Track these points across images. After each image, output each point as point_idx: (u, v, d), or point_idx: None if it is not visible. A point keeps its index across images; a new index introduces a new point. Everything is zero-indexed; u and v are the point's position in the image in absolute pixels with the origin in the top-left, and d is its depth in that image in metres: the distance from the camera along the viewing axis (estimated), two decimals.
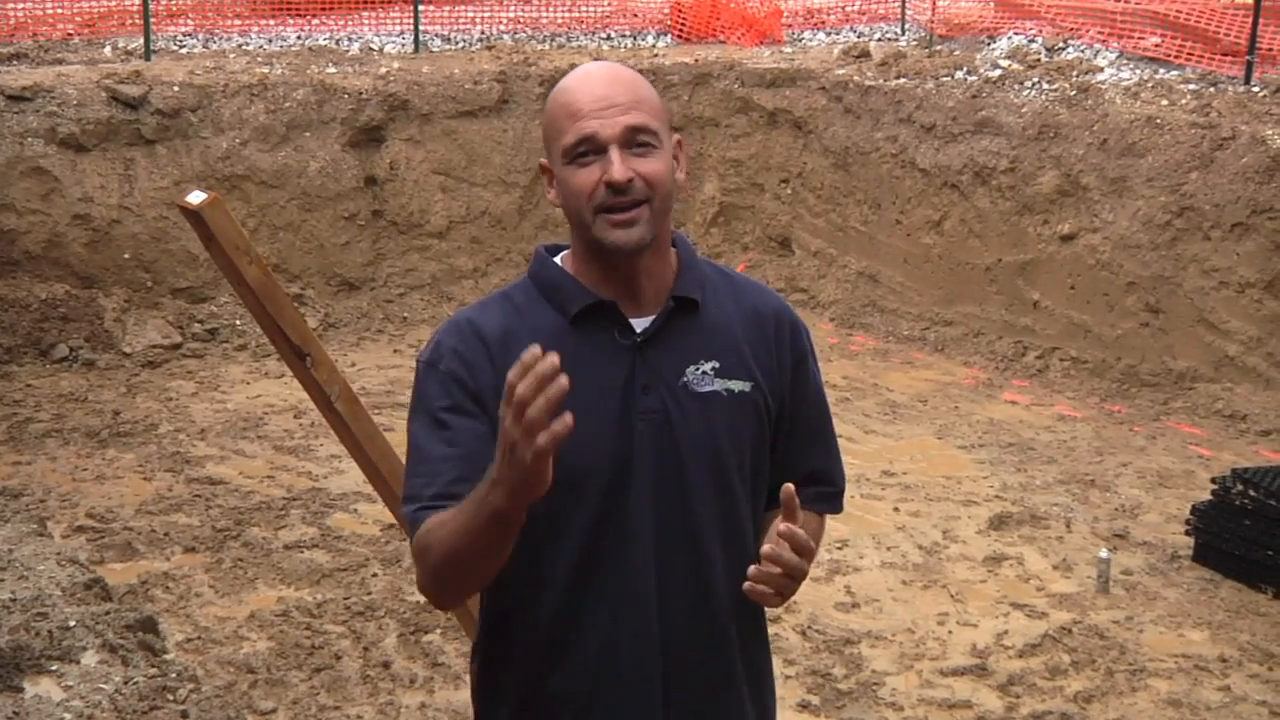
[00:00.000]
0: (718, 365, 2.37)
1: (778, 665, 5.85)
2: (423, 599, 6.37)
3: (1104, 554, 6.90)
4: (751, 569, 2.19)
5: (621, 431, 2.28)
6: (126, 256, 10.52)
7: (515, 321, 2.33)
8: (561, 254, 2.43)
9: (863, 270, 11.89)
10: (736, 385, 2.38)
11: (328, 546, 7.13)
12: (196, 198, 3.03)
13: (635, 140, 2.25)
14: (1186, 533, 7.26)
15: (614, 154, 2.23)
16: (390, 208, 11.58)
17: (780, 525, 2.18)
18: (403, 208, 11.62)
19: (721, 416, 2.36)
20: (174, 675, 3.80)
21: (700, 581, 2.39)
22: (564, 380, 1.93)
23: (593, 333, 2.31)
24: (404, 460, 2.42)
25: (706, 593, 2.39)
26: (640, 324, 2.33)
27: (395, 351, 10.60)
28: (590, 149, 2.25)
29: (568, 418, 1.94)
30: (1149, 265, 9.84)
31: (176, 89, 10.91)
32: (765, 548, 2.17)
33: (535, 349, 1.94)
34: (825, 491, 2.66)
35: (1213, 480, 7.27)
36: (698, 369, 2.35)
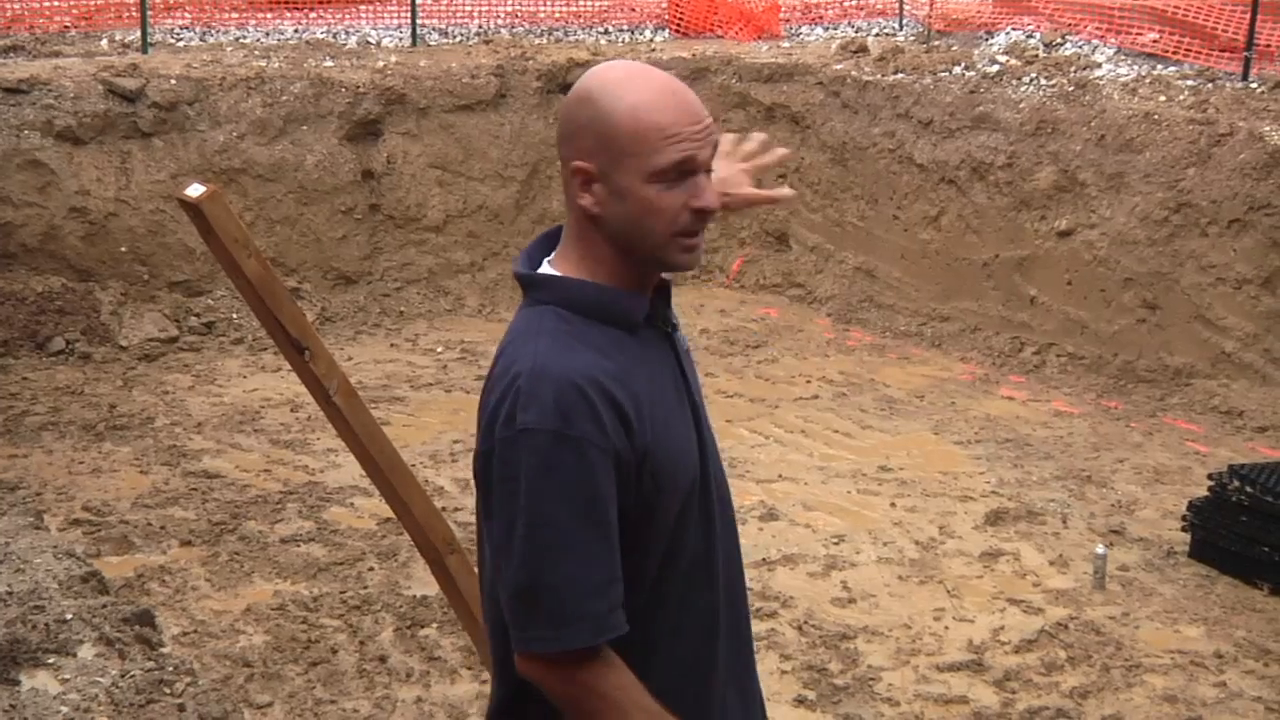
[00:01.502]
0: (676, 322, 2.45)
1: (774, 660, 5.86)
2: (419, 593, 6.39)
3: (1100, 550, 6.91)
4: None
5: (691, 421, 2.31)
6: (123, 250, 10.52)
7: (598, 356, 2.20)
8: (548, 265, 2.33)
9: (860, 265, 11.89)
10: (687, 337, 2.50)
11: (324, 540, 7.13)
12: (195, 190, 3.03)
13: (710, 167, 2.23)
14: (1183, 529, 7.27)
15: (705, 181, 2.18)
16: (387, 202, 11.57)
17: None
18: (399, 201, 11.62)
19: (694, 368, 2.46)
20: (170, 668, 3.80)
21: (735, 544, 2.45)
22: None
23: (645, 334, 2.30)
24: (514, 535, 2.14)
25: (738, 554, 2.45)
26: (668, 316, 2.39)
27: (392, 345, 10.60)
28: (689, 171, 2.17)
29: None
30: (1146, 261, 9.85)
31: (173, 82, 10.89)
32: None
33: None
34: None
35: (1209, 476, 7.28)
36: (679, 332, 2.44)
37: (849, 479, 8.00)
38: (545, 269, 2.32)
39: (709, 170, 2.21)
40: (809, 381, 9.84)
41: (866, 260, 11.82)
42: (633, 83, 2.20)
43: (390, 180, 11.56)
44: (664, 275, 2.35)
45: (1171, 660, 6.13)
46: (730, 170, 2.68)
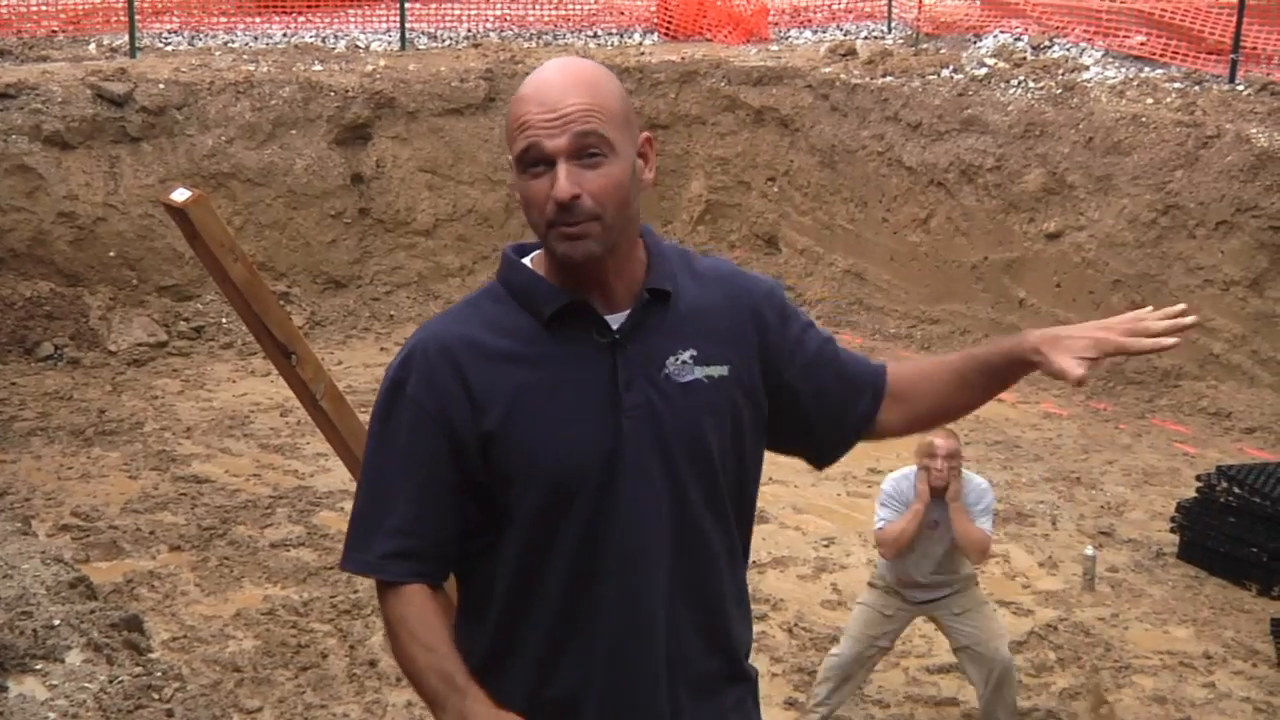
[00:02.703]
0: (695, 353, 2.35)
1: (764, 663, 5.86)
2: None
3: (1090, 551, 6.92)
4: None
5: (608, 431, 2.26)
6: (112, 254, 10.49)
7: (486, 333, 2.29)
8: (532, 255, 2.38)
9: (849, 268, 11.90)
10: (715, 370, 2.36)
11: (314, 545, 7.11)
12: (181, 195, 3.01)
13: (585, 151, 2.19)
14: (1172, 530, 7.28)
15: (560, 170, 2.17)
16: (377, 205, 11.56)
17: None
18: (389, 205, 11.61)
19: (704, 404, 2.34)
20: (159, 674, 3.78)
21: (700, 570, 2.38)
22: None
23: (570, 334, 2.27)
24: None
25: (708, 580, 2.38)
26: (615, 320, 2.29)
27: (381, 349, 10.58)
28: (539, 160, 2.19)
29: None
30: (1134, 263, 9.87)
31: (162, 86, 10.87)
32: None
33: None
34: (881, 381, 2.63)
35: (1198, 478, 7.30)
36: (677, 359, 2.33)
37: (839, 481, 8.00)
38: (526, 257, 2.39)
39: (580, 155, 2.19)
40: (814, 324, 9.86)
41: (856, 263, 11.83)
42: (526, 83, 2.29)
43: (379, 184, 11.56)
44: (660, 287, 2.32)
45: (1161, 661, 6.14)
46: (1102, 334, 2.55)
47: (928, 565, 5.26)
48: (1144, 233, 9.84)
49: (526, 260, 2.38)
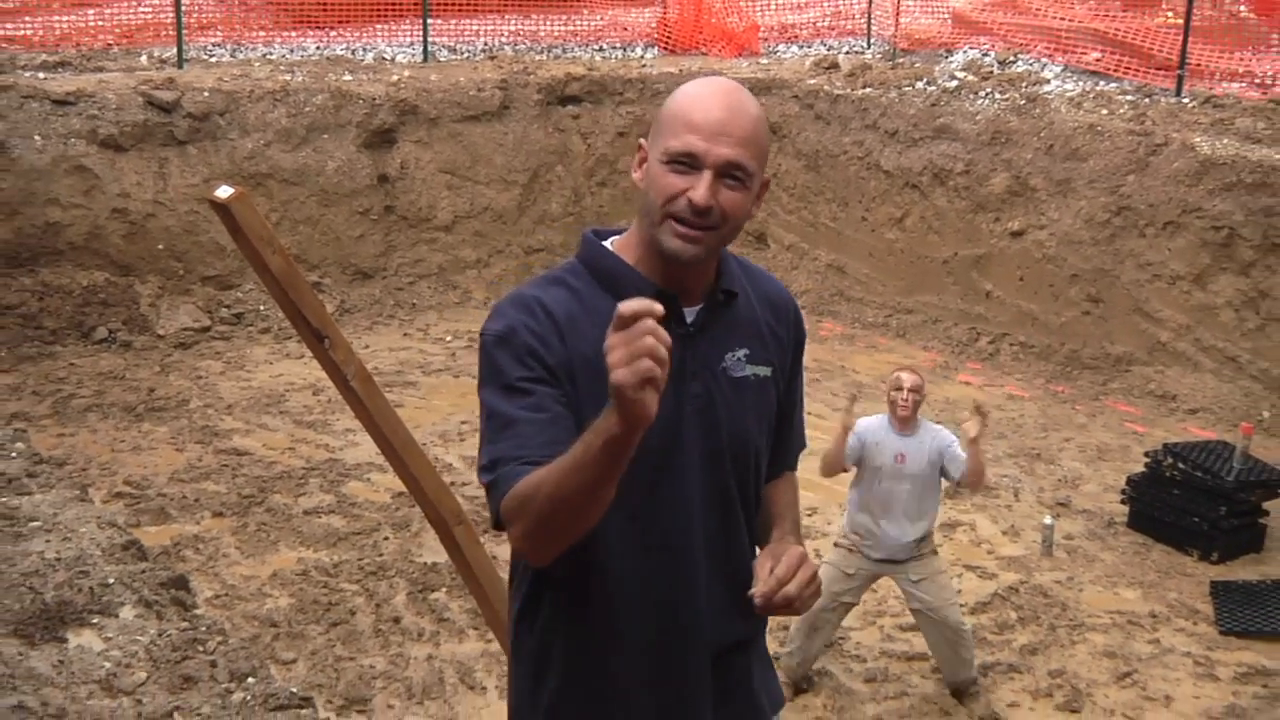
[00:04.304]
0: (748, 352, 2.36)
1: None
2: (430, 560, 6.38)
3: (1048, 520, 6.92)
4: (758, 599, 2.15)
5: (673, 415, 2.24)
6: (160, 247, 10.48)
7: (575, 305, 2.25)
8: (612, 240, 2.36)
9: (831, 263, 11.89)
10: (762, 370, 2.39)
11: (343, 512, 7.12)
12: (224, 192, 3.01)
13: (730, 173, 2.18)
14: (1122, 501, 7.29)
15: (706, 178, 2.16)
16: (400, 204, 11.54)
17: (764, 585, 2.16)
18: (412, 204, 11.59)
19: (751, 399, 2.36)
20: (203, 629, 3.80)
21: (734, 544, 2.39)
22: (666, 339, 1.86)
23: None
24: (481, 429, 2.28)
25: (739, 555, 2.39)
26: (689, 314, 2.30)
27: (405, 335, 10.58)
28: (689, 163, 2.17)
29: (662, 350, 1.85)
30: (1090, 259, 9.85)
31: (206, 94, 10.85)
32: (759, 600, 2.14)
33: (644, 303, 1.84)
34: (797, 454, 2.68)
35: (1146, 454, 7.29)
36: (734, 356, 2.34)
37: (819, 456, 7.98)
38: (606, 241, 2.37)
39: (725, 175, 2.18)
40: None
41: (838, 258, 11.81)
42: (697, 84, 2.26)
43: (403, 184, 11.53)
44: (731, 289, 2.30)
45: (1111, 620, 6.14)
46: None
47: (896, 503, 5.10)
48: (1099, 231, 9.83)
49: (608, 244, 2.36)
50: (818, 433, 8.87)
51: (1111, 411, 9.04)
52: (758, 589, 2.17)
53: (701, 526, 2.33)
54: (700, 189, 2.16)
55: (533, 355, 2.22)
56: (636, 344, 1.83)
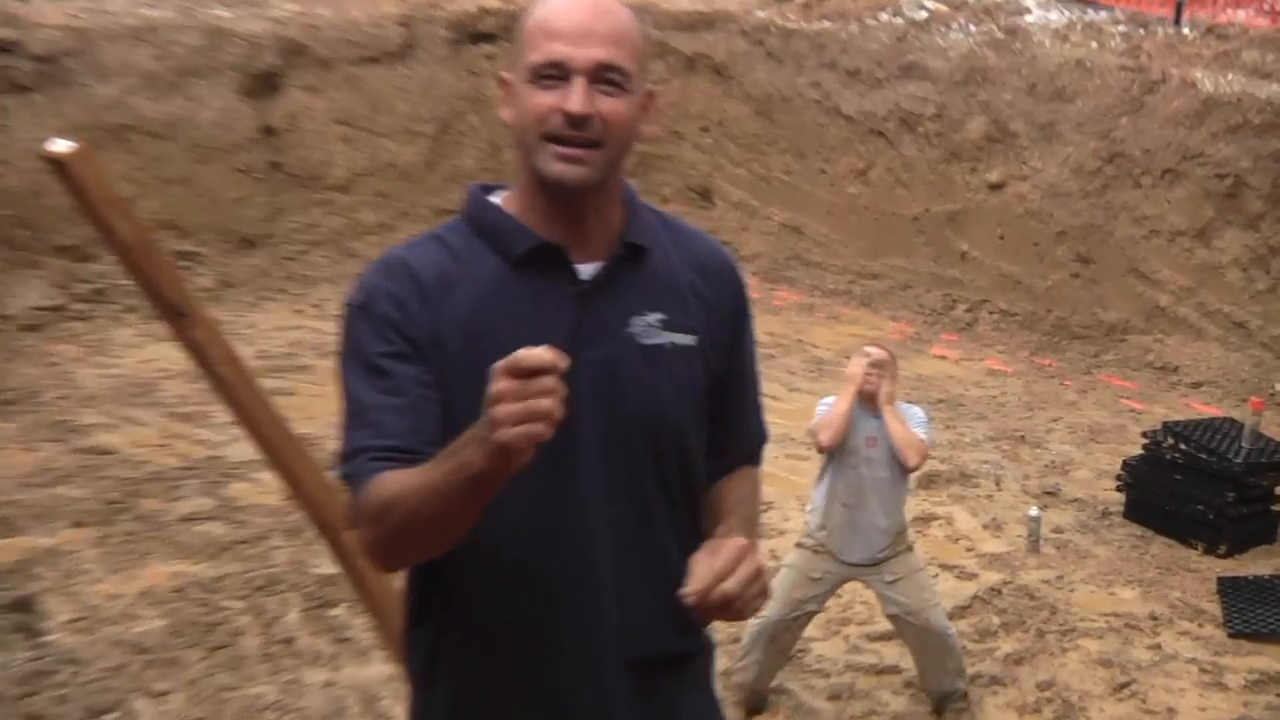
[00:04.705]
0: (664, 317, 2.32)
1: None
2: (328, 571, 6.30)
3: (1034, 512, 6.96)
4: (689, 598, 2.13)
5: (567, 386, 2.22)
6: (6, 212, 10.27)
7: (451, 265, 2.26)
8: (499, 194, 2.36)
9: (786, 222, 11.89)
10: (682, 339, 2.34)
11: (226, 518, 7.01)
12: (61, 146, 2.92)
13: (605, 77, 2.18)
14: (1118, 488, 7.35)
15: (578, 85, 2.16)
16: (289, 159, 11.40)
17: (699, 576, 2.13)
18: (302, 159, 11.45)
19: (667, 371, 2.32)
20: (53, 658, 3.71)
21: (653, 540, 2.35)
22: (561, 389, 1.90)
23: (537, 279, 2.24)
24: (341, 413, 2.28)
25: (663, 554, 2.35)
26: (586, 271, 2.27)
27: (296, 312, 10.45)
28: (556, 74, 2.18)
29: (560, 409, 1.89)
30: (1079, 214, 9.92)
31: (54, 32, 10.62)
32: (691, 597, 2.12)
33: (547, 356, 1.87)
34: (757, 446, 2.64)
35: (1144, 434, 7.36)
36: (644, 320, 2.31)
37: (776, 444, 7.98)
38: (493, 196, 2.37)
39: (600, 81, 2.19)
40: (755, 341, 9.85)
41: (793, 216, 11.82)
42: None
43: (292, 137, 11.39)
44: (637, 241, 2.29)
45: (1106, 623, 6.19)
46: None
47: (869, 491, 5.12)
48: (1089, 182, 9.90)
49: (494, 198, 2.35)
50: (772, 415, 8.91)
51: (1105, 387, 9.12)
52: (689, 586, 2.14)
53: (605, 518, 2.29)
54: (574, 96, 2.16)
55: (393, 327, 2.21)
56: (532, 405, 1.86)
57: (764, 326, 10.26)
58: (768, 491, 7.40)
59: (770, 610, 5.29)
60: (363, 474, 2.15)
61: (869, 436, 5.16)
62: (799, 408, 8.65)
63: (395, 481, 2.10)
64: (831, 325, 10.38)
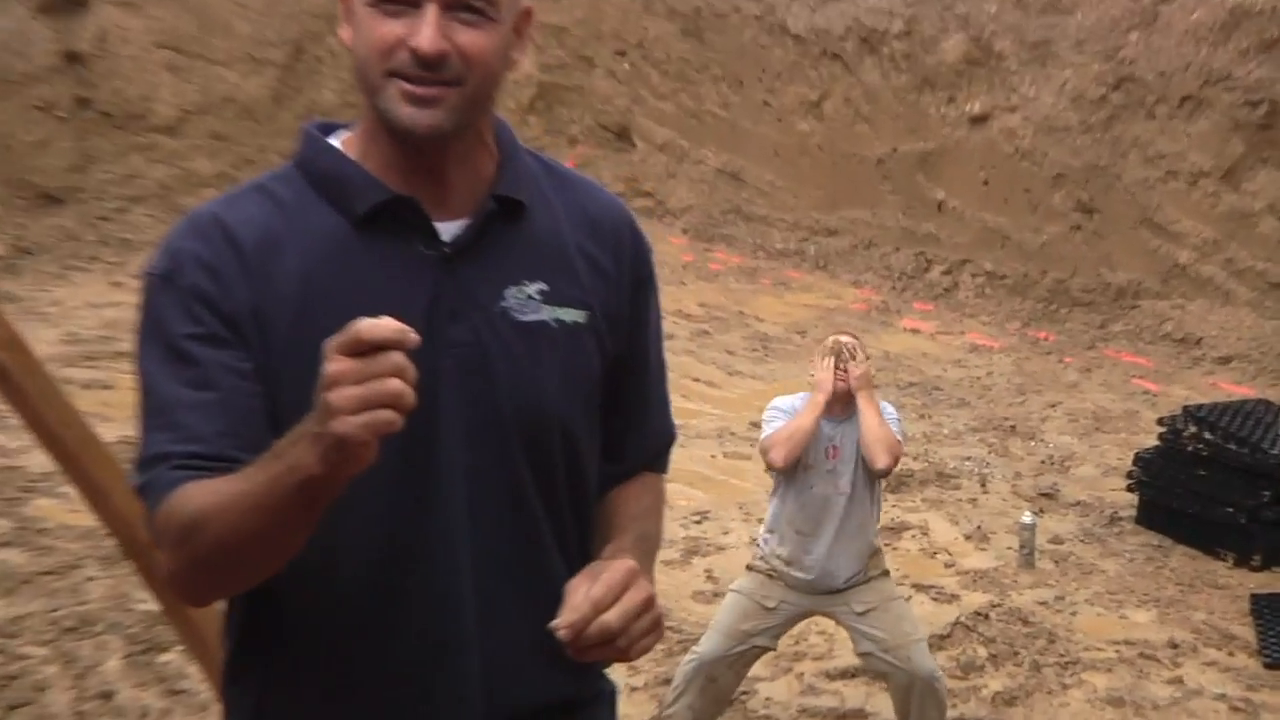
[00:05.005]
0: (546, 288, 2.30)
1: (620, 673, 5.85)
2: (155, 605, 6.25)
3: (1027, 519, 7.00)
4: (561, 630, 2.12)
5: (424, 370, 2.18)
6: None
7: (278, 222, 2.21)
8: (340, 135, 2.32)
9: (723, 167, 11.91)
10: (569, 315, 2.31)
11: (26, 543, 6.93)
12: None
13: (464, 2, 2.14)
14: (1129, 488, 7.42)
15: (430, 15, 2.10)
16: (101, 94, 11.26)
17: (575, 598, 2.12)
18: (117, 94, 11.31)
19: (550, 354, 2.30)
20: None
21: (535, 564, 2.33)
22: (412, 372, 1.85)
23: (385, 240, 2.21)
24: (139, 406, 2.21)
25: (542, 585, 2.33)
26: (448, 230, 2.24)
27: (114, 285, 10.33)
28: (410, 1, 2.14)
29: (410, 396, 1.85)
30: (1080, 153, 10.01)
31: None
32: (563, 631, 2.11)
33: (392, 328, 1.83)
34: (662, 448, 2.64)
35: (1160, 422, 7.41)
36: (521, 291, 2.29)
37: (713, 440, 8.01)
38: (334, 136, 2.33)
39: (457, 7, 2.15)
40: (661, 318, 9.84)
41: (731, 160, 11.84)
42: None
43: (103, 65, 11.24)
44: (511, 194, 2.27)
45: (1117, 654, 6.25)
46: None
47: (832, 514, 5.14)
48: (1091, 113, 9.98)
49: (334, 141, 2.32)
50: (708, 405, 8.97)
51: (1113, 364, 9.22)
52: (561, 617, 2.14)
53: (472, 536, 2.28)
54: (424, 31, 2.13)
55: (203, 302, 2.17)
56: (376, 388, 1.83)
57: (696, 296, 10.28)
58: (700, 498, 7.42)
59: (710, 644, 5.29)
60: (161, 486, 2.11)
61: (829, 446, 5.16)
62: (740, 395, 8.68)
63: (203, 494, 2.05)
64: (779, 294, 10.42)
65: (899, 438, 5.10)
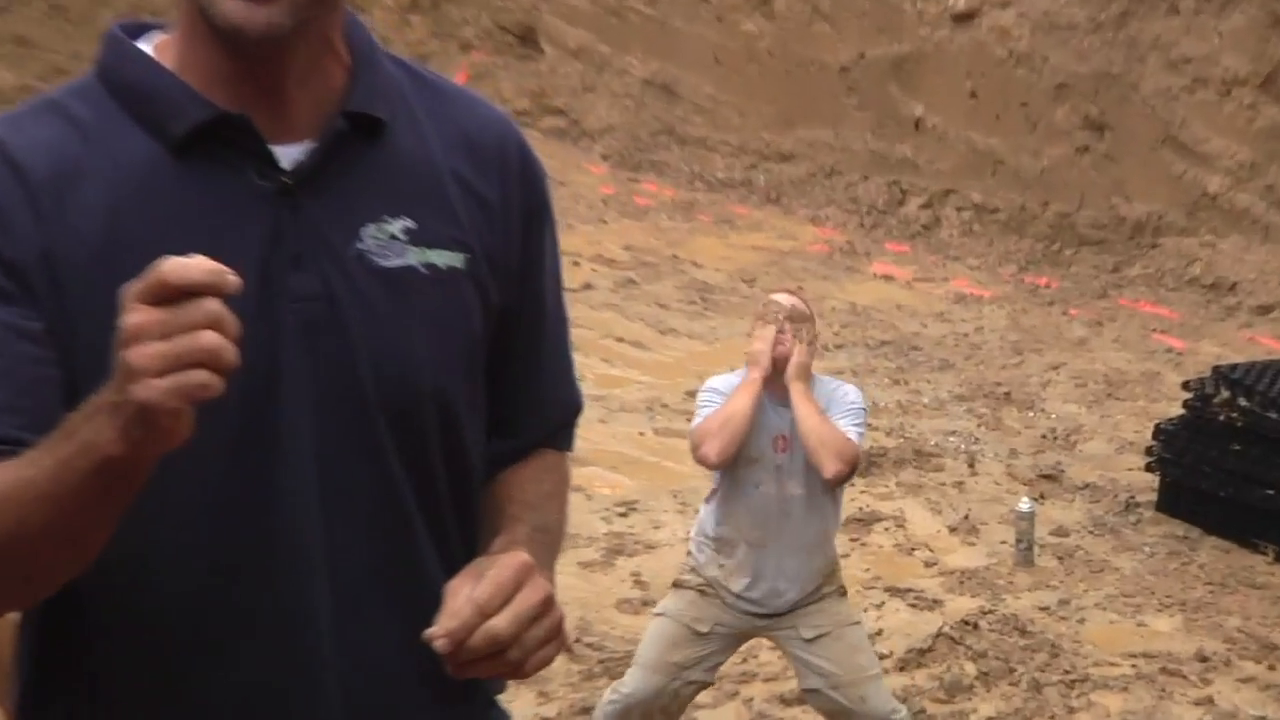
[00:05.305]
0: (413, 226, 2.27)
1: (528, 700, 5.87)
2: None
3: (1025, 506, 7.01)
4: (438, 640, 2.10)
5: (260, 331, 2.16)
6: None
7: (76, 149, 2.15)
8: (153, 38, 2.26)
9: (651, 78, 11.89)
10: (443, 258, 2.28)
11: None
12: None
13: None
14: (1148, 468, 7.46)
15: None
16: None
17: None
18: None
19: (420, 306, 2.27)
20: None
21: (407, 567, 2.33)
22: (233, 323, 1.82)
23: (209, 169, 2.15)
24: None
25: (413, 589, 2.33)
26: (288, 155, 2.19)
27: None
28: None
29: (233, 351, 1.79)
30: (1088, 57, 10.05)
31: None
32: (440, 641, 2.09)
33: (204, 266, 1.77)
34: (565, 420, 2.63)
35: (1185, 385, 7.44)
36: (382, 230, 2.26)
37: (642, 414, 8.00)
38: (143, 40, 2.28)
39: None
40: (577, 264, 9.80)
41: (661, 69, 11.81)
42: None
43: None
44: (367, 110, 2.25)
45: (1133, 669, 6.29)
46: None
47: (780, 520, 5.12)
48: (1101, 8, 10.02)
49: (145, 45, 2.29)
50: (635, 370, 8.92)
51: (1129, 316, 9.26)
52: (438, 624, 2.13)
53: (323, 536, 2.27)
54: None
55: None
56: (185, 343, 1.78)
57: (620, 236, 10.25)
58: (626, 485, 7.42)
59: (635, 682, 5.28)
60: None
61: (777, 436, 5.13)
62: (675, 358, 8.67)
63: None
64: (723, 233, 10.42)
65: (854, 436, 4.94)
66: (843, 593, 5.29)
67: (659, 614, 5.37)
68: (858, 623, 5.39)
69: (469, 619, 2.05)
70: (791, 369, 5.05)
